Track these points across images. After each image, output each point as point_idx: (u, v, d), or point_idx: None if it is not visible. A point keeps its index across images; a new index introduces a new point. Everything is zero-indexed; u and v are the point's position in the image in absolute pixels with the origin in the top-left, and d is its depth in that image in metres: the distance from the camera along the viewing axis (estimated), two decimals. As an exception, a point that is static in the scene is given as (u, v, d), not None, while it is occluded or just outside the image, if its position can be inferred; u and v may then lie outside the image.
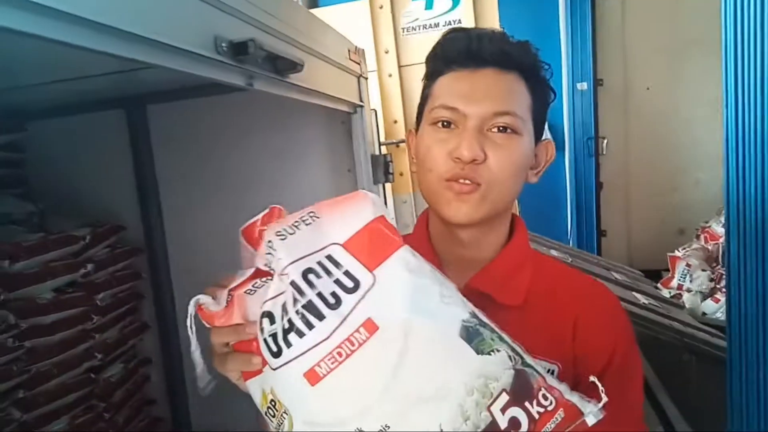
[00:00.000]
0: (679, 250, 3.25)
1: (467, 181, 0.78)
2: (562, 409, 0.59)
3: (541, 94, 0.84)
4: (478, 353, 0.59)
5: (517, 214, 0.93)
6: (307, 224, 0.64)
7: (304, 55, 1.28)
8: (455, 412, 0.56)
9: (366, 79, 1.83)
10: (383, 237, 0.64)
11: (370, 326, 0.59)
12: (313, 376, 0.58)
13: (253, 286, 0.64)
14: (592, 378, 0.62)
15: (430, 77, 0.85)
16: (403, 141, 3.15)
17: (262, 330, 0.61)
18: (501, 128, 0.78)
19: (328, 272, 0.61)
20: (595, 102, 3.46)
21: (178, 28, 0.83)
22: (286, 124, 1.90)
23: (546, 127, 0.89)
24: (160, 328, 2.05)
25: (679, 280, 3.11)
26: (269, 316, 0.61)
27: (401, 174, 3.13)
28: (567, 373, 0.78)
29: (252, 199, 1.92)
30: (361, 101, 1.79)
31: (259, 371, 0.64)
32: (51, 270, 1.55)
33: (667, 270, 3.23)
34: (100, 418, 1.70)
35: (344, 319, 0.59)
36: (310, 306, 0.60)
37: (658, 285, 3.21)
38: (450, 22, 3.06)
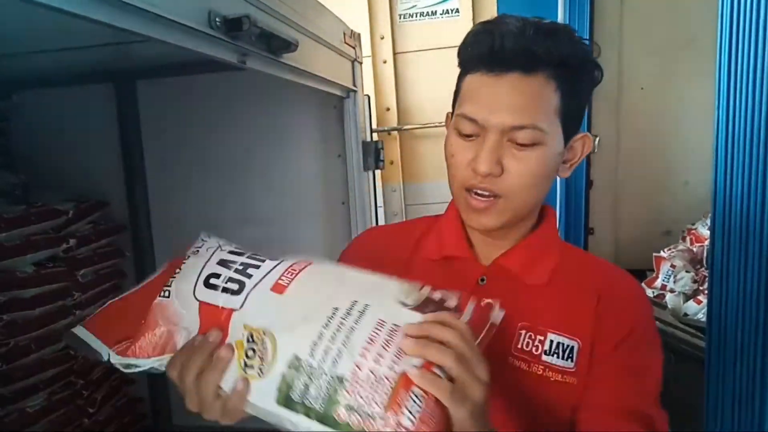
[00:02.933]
0: (664, 251, 3.26)
1: (484, 194, 0.78)
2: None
3: (576, 87, 0.79)
4: None
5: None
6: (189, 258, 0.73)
7: (299, 35, 1.26)
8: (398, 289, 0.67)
9: (360, 63, 1.81)
10: None
11: (303, 263, 0.70)
12: (279, 288, 0.67)
13: (161, 294, 0.68)
14: None
15: (462, 69, 0.83)
16: (394, 129, 3.13)
17: (215, 287, 0.67)
18: (520, 141, 0.76)
19: (229, 265, 0.70)
20: (589, 99, 3.45)
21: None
22: (277, 107, 1.87)
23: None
24: (142, 308, 2.03)
25: (663, 280, 3.12)
26: (215, 276, 0.68)
27: (392, 162, 3.11)
28: (585, 351, 0.80)
29: (240, 181, 1.91)
30: (355, 86, 1.77)
31: (229, 353, 0.64)
32: (32, 243, 1.52)
33: (653, 270, 3.25)
34: (78, 395, 1.69)
35: (275, 266, 0.69)
36: (242, 267, 0.69)
37: (642, 284, 3.23)
38: (448, 10, 3.03)
